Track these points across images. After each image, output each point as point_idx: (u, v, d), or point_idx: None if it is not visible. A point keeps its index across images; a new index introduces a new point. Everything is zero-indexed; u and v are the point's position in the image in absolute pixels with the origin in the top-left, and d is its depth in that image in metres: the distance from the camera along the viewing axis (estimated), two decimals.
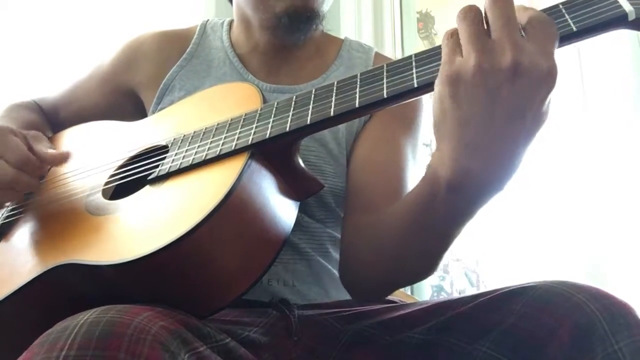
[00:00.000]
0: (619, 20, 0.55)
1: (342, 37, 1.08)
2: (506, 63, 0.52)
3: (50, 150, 0.80)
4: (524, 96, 0.53)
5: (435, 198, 0.62)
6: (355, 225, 0.83)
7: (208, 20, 1.09)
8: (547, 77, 0.53)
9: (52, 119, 1.07)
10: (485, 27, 0.55)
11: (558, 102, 0.58)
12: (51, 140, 0.99)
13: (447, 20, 2.23)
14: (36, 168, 0.77)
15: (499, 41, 0.53)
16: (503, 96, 0.53)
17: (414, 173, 0.90)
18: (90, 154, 0.86)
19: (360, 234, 0.80)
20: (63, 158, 0.81)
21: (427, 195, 0.64)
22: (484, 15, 0.56)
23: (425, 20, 2.21)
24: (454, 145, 0.57)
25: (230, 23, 1.06)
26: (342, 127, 0.93)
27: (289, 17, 0.91)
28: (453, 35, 0.57)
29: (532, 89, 0.53)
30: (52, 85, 1.15)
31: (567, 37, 0.57)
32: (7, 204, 0.83)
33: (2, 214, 0.84)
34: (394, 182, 0.86)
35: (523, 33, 0.54)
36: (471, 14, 0.55)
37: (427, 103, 1.00)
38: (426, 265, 0.72)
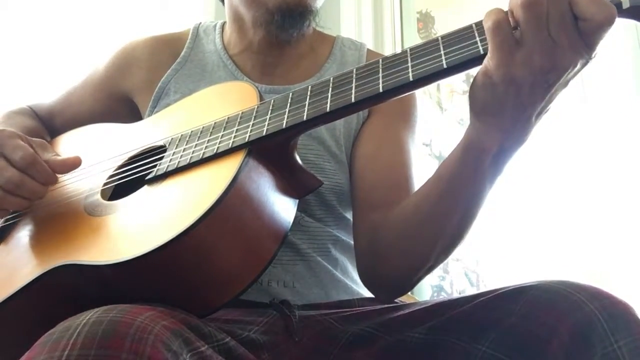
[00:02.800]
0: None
1: (335, 35, 1.08)
2: (567, 62, 0.56)
3: (59, 157, 0.79)
4: (567, 83, 0.59)
5: (482, 166, 0.68)
6: (374, 222, 0.83)
7: (200, 23, 1.09)
8: (587, 63, 0.58)
9: (48, 125, 1.07)
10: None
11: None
12: (49, 144, 0.99)
13: (447, 20, 2.23)
14: (42, 173, 0.75)
15: (557, 38, 0.55)
16: (556, 87, 0.58)
17: (416, 166, 0.92)
18: (89, 156, 0.86)
19: (386, 229, 0.81)
20: (71, 165, 0.79)
21: (473, 165, 0.68)
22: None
23: (425, 20, 2.21)
24: (507, 123, 0.62)
25: (223, 25, 1.06)
26: (339, 125, 0.94)
27: (281, 14, 0.91)
28: (502, 24, 0.56)
29: (574, 75, 0.59)
30: (52, 87, 1.15)
31: None
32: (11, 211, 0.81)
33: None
34: (402, 179, 0.89)
35: (577, 23, 0.55)
36: (538, 5, 0.55)
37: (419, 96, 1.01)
38: (463, 233, 0.76)
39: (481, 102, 0.62)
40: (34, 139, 0.80)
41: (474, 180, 0.69)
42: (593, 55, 0.57)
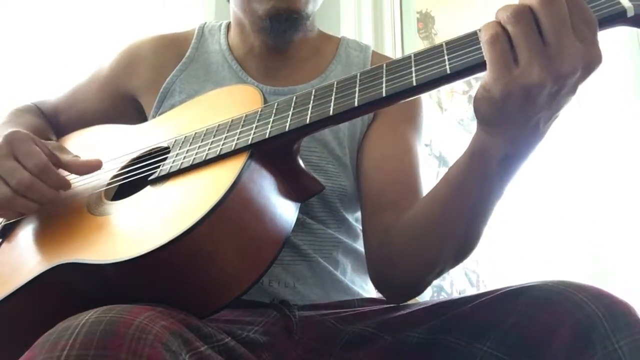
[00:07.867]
0: (618, 17, 0.55)
1: (340, 36, 1.08)
2: (567, 69, 0.54)
3: (80, 159, 0.79)
4: (575, 89, 0.57)
5: (489, 172, 0.66)
6: (385, 224, 0.83)
7: (205, 23, 1.09)
8: (595, 68, 0.56)
9: (53, 122, 1.07)
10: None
11: None
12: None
13: (447, 20, 2.23)
14: (54, 178, 0.75)
15: (557, 46, 0.53)
16: (561, 95, 0.56)
17: (423, 167, 0.93)
18: (95, 156, 0.86)
19: (396, 232, 0.80)
20: (95, 166, 0.79)
21: (479, 171, 0.67)
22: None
23: (425, 20, 2.21)
24: (512, 132, 0.61)
25: (228, 26, 1.06)
26: (343, 128, 0.93)
27: (270, 20, 0.91)
28: (499, 38, 0.55)
29: (581, 80, 0.56)
30: (53, 87, 1.15)
31: None
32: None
33: None
34: (412, 180, 0.89)
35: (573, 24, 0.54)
36: (525, 17, 0.53)
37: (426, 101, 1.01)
38: (473, 239, 0.75)
39: (483, 114, 0.61)
40: (50, 142, 0.80)
41: (481, 185, 0.68)
42: (598, 57, 0.55)
